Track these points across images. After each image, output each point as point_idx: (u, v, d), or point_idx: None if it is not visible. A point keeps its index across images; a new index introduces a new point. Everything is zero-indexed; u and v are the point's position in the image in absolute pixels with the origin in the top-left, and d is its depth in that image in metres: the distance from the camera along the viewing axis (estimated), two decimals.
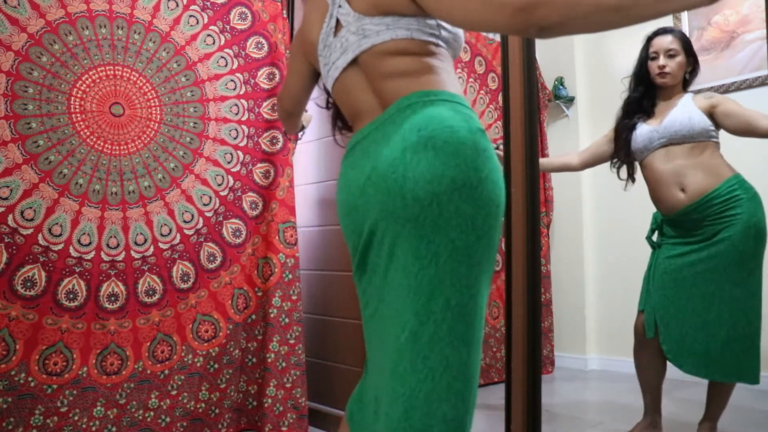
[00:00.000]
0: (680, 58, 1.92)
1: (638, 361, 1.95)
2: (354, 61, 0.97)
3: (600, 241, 3.17)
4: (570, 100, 3.33)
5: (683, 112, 1.85)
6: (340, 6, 1.00)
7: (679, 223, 1.87)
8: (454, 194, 0.80)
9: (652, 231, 1.98)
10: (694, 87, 2.76)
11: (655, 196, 1.91)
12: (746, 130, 1.76)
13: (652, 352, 1.89)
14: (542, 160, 2.37)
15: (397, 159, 0.82)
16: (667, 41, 1.92)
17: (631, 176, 1.96)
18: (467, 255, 0.81)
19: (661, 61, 1.92)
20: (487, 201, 0.82)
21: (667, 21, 2.90)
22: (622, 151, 1.94)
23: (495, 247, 0.85)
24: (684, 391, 2.12)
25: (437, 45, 0.95)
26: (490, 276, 0.86)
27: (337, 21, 1.01)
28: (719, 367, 1.76)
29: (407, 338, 0.80)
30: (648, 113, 1.93)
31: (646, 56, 1.97)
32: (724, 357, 1.74)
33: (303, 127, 1.61)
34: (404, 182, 0.80)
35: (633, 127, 1.92)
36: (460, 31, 1.02)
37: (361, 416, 0.93)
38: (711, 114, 1.84)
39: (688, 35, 2.32)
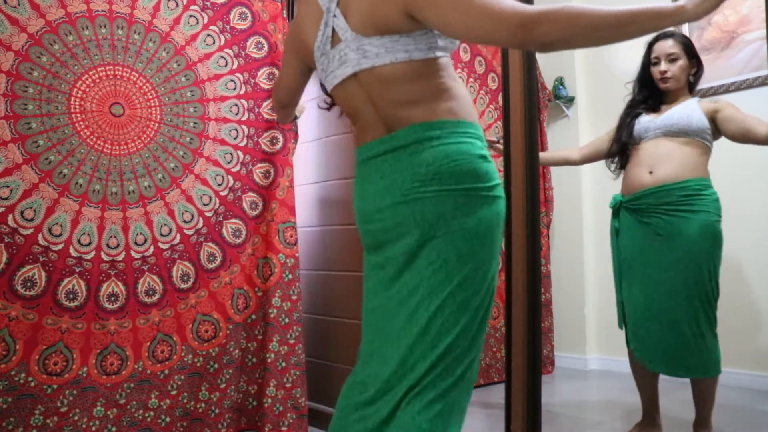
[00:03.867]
0: (682, 62, 1.92)
1: (630, 357, 1.97)
2: (353, 75, 1.00)
3: (600, 241, 3.16)
4: (570, 100, 3.33)
5: (685, 109, 1.87)
6: (335, 16, 1.00)
7: (635, 208, 1.88)
8: (457, 212, 0.93)
9: (613, 214, 1.99)
10: None
11: (624, 175, 1.93)
12: (745, 136, 1.77)
13: None
14: (542, 154, 2.40)
15: (408, 189, 0.95)
16: (667, 46, 1.92)
17: (622, 164, 1.96)
18: (472, 260, 0.93)
19: (663, 66, 1.92)
20: (487, 215, 0.95)
21: None
22: (621, 132, 1.95)
23: (497, 248, 0.98)
24: (684, 392, 2.12)
25: (436, 58, 0.98)
26: (495, 272, 0.98)
27: (333, 31, 1.01)
28: (684, 364, 1.80)
29: (418, 332, 0.93)
30: (654, 110, 1.96)
31: (648, 62, 1.98)
32: (689, 354, 1.78)
33: (296, 117, 1.62)
34: (414, 207, 0.94)
35: (636, 116, 1.95)
36: None
37: (347, 393, 1.04)
38: (713, 119, 1.85)
39: (688, 35, 2.32)
